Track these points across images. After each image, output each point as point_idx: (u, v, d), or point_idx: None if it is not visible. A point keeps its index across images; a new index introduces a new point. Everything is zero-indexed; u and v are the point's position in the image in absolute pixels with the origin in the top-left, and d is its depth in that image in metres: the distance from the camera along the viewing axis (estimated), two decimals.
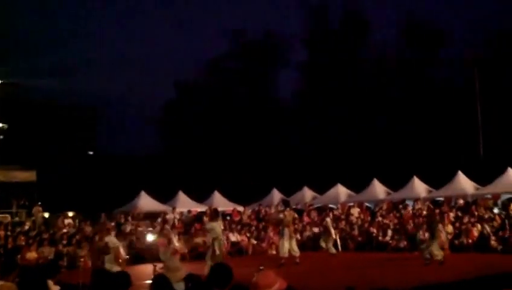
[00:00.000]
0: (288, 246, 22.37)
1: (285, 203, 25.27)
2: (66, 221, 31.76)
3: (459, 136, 49.87)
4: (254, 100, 61.49)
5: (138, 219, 31.70)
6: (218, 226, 19.56)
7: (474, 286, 14.53)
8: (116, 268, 20.94)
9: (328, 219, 28.01)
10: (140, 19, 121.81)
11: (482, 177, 38.29)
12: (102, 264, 22.73)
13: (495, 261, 20.50)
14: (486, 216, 27.18)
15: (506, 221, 25.82)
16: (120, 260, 22.52)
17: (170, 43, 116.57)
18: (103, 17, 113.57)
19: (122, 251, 21.83)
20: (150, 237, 22.12)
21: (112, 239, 22.54)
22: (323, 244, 26.47)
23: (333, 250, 26.23)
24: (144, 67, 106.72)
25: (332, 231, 26.97)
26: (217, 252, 19.10)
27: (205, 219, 29.03)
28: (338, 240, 28.64)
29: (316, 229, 30.62)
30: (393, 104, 59.46)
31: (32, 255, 24.42)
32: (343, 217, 32.90)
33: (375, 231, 29.07)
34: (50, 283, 8.35)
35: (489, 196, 31.79)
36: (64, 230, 29.10)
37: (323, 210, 35.69)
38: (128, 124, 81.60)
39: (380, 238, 28.44)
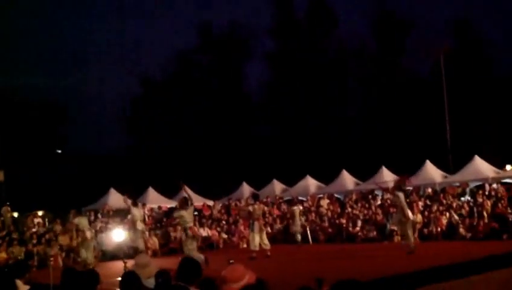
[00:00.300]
0: (259, 239, 22.43)
1: (255, 197, 25.32)
2: (36, 220, 31.51)
3: (427, 126, 50.23)
4: (222, 93, 61.35)
5: (108, 216, 31.53)
6: (187, 213, 19.50)
7: (442, 274, 14.64)
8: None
9: (296, 208, 27.99)
10: (105, 14, 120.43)
11: (450, 166, 38.74)
12: (73, 263, 22.74)
13: (464, 249, 20.70)
14: (454, 204, 27.42)
15: (474, 209, 26.08)
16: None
17: (137, 37, 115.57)
18: (69, 12, 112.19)
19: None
20: (120, 234, 21.98)
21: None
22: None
23: (299, 238, 26.27)
24: (109, 62, 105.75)
25: (298, 221, 26.99)
26: (187, 239, 19.12)
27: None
28: (308, 232, 28.77)
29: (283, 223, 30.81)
30: (361, 95, 59.78)
31: (1, 255, 24.27)
32: (313, 209, 32.96)
33: (344, 222, 29.18)
34: (19, 282, 8.29)
35: (457, 184, 32.11)
36: (34, 229, 28.88)
37: (293, 203, 35.84)
38: (96, 121, 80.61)
39: (350, 229, 28.56)
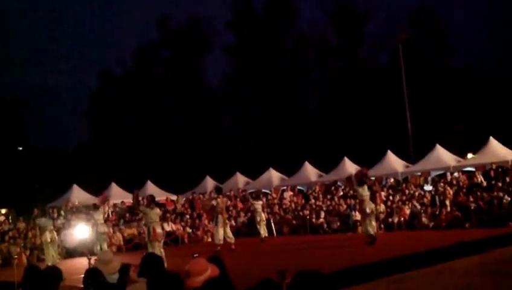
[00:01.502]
0: (223, 232, 22.46)
1: (218, 190, 25.28)
2: None
3: (387, 116, 50.61)
4: (183, 87, 61.14)
5: (71, 212, 31.29)
6: (152, 212, 19.46)
7: (405, 264, 14.77)
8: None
9: (257, 203, 27.74)
10: (64, 7, 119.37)
11: (411, 155, 39.09)
12: (37, 261, 22.55)
13: (426, 238, 20.92)
14: (416, 194, 27.68)
15: (436, 198, 26.34)
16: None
17: (96, 31, 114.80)
18: (22, 7, 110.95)
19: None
20: (83, 231, 21.82)
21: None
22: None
23: (263, 235, 26.22)
24: (69, 57, 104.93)
25: (261, 215, 26.83)
26: (146, 239, 19.16)
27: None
28: (272, 225, 28.84)
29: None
30: (322, 86, 60.01)
31: None
32: (276, 201, 33.05)
33: (308, 213, 29.29)
34: None
35: (419, 174, 32.43)
36: None
37: (256, 195, 35.92)
38: (56, 117, 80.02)
39: (314, 220, 28.68)
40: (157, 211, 19.88)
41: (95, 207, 24.91)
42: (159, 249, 18.48)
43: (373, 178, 32.34)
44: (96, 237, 23.14)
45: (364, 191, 21.12)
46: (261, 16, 61.82)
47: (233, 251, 21.92)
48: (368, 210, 20.73)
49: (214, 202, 23.31)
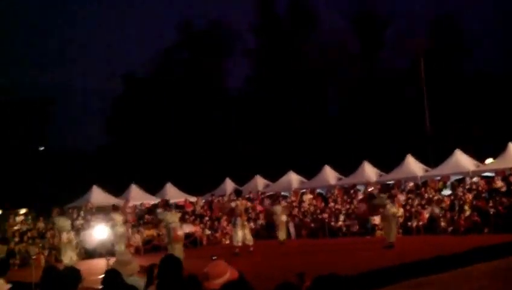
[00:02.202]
0: (242, 235, 22.48)
1: (238, 193, 25.32)
2: (18, 218, 31.38)
3: (407, 120, 50.45)
4: (204, 90, 61.24)
5: (91, 213, 31.43)
6: (170, 214, 19.61)
7: (423, 268, 14.76)
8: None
9: (277, 207, 27.79)
10: (86, 11, 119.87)
11: (431, 160, 38.94)
12: (55, 261, 22.67)
13: (445, 242, 20.85)
14: (435, 198, 27.59)
15: (455, 202, 26.25)
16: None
17: (117, 34, 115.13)
18: (47, 8, 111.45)
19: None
20: (102, 232, 21.90)
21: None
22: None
23: (282, 237, 26.22)
24: (91, 59, 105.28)
25: (281, 218, 26.87)
26: (166, 240, 19.26)
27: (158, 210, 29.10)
28: (291, 228, 28.88)
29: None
30: (342, 90, 59.93)
31: None
32: (295, 204, 33.08)
33: (327, 216, 29.28)
34: (0, 281, 8.29)
35: (438, 178, 32.29)
36: (16, 227, 28.75)
37: (276, 198, 35.97)
38: (79, 118, 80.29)
39: (333, 223, 28.68)
40: (176, 213, 20.01)
41: (115, 208, 25.02)
42: (179, 251, 18.56)
43: (392, 182, 32.40)
44: (115, 238, 23.23)
45: (383, 200, 21.19)
46: (282, 20, 61.82)
47: (252, 253, 21.94)
48: (390, 214, 20.76)
49: (233, 204, 23.36)
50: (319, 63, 58.46)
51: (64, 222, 22.73)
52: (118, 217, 23.88)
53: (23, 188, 49.11)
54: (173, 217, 19.54)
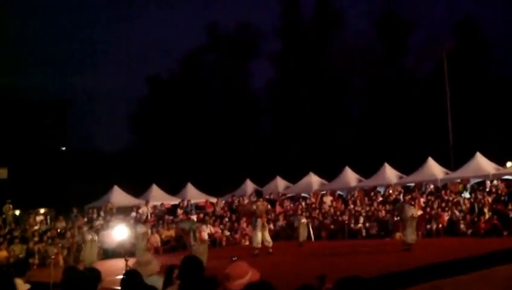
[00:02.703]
0: (261, 236, 22.49)
1: (258, 194, 25.38)
2: (38, 218, 31.58)
3: (429, 123, 50.27)
4: (227, 91, 61.37)
5: (111, 213, 31.55)
6: (189, 222, 19.88)
7: (443, 270, 14.72)
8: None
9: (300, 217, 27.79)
10: (110, 12, 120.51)
11: (452, 162, 38.81)
12: (73, 261, 22.77)
13: (464, 245, 20.80)
14: (455, 201, 27.53)
15: (475, 205, 26.17)
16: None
17: (143, 36, 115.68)
18: (72, 10, 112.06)
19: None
20: (122, 232, 21.97)
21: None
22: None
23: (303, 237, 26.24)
24: (115, 61, 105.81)
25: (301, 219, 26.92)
26: (192, 242, 19.31)
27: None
28: (311, 229, 28.87)
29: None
30: (364, 92, 59.82)
31: (2, 253, 24.31)
32: (315, 206, 33.08)
33: (347, 218, 29.25)
34: (19, 281, 8.32)
35: (458, 181, 32.20)
36: (36, 227, 28.89)
37: (296, 199, 35.95)
38: (100, 119, 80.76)
39: (352, 225, 28.64)
40: (193, 220, 20.27)
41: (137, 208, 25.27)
42: (204, 251, 18.62)
43: (413, 184, 32.34)
44: (136, 236, 23.34)
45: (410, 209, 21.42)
46: (308, 23, 61.78)
47: (271, 255, 21.95)
48: (409, 215, 20.78)
49: (254, 206, 23.35)
50: (341, 65, 58.40)
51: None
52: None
53: (43, 187, 49.40)
54: (191, 224, 19.78)
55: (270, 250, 22.38)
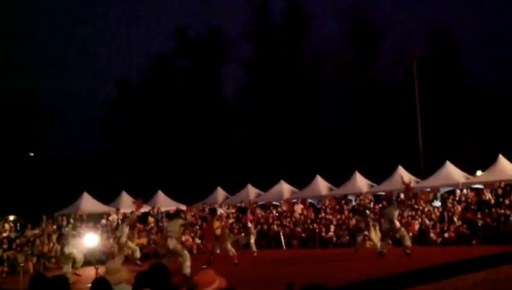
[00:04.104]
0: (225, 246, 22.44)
1: (212, 211, 25.46)
2: (7, 225, 31.24)
3: (399, 132, 50.59)
4: (198, 97, 61.23)
5: (81, 221, 31.30)
6: (169, 224, 19.78)
7: (414, 279, 14.80)
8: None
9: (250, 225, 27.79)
10: (80, 16, 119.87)
11: (422, 171, 39.08)
12: (43, 269, 22.58)
13: (434, 254, 20.94)
14: (426, 209, 27.70)
15: (445, 214, 26.35)
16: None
17: (113, 40, 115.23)
18: (42, 13, 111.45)
19: None
20: (92, 240, 21.81)
21: None
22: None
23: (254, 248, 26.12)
24: (85, 65, 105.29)
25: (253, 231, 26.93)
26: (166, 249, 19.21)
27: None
28: (282, 237, 28.92)
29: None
30: (335, 100, 60.00)
31: None
32: (286, 214, 33.11)
33: (318, 227, 29.30)
34: None
35: (428, 190, 32.41)
36: (5, 234, 28.59)
37: (267, 207, 35.95)
38: (69, 124, 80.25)
39: (323, 234, 28.69)
40: (177, 220, 20.03)
41: (124, 219, 25.28)
42: (187, 259, 18.46)
43: (383, 193, 32.53)
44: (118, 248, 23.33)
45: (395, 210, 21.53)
46: (278, 29, 61.89)
47: (242, 263, 21.89)
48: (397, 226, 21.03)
49: (218, 231, 22.99)
50: (312, 73, 58.62)
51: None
52: (125, 228, 23.80)
53: (12, 194, 48.94)
54: (172, 226, 19.57)
55: (235, 261, 22.05)
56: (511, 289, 13.62)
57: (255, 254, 24.92)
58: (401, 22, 76.87)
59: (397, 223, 21.33)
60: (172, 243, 18.96)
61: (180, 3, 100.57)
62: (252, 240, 25.80)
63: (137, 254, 23.92)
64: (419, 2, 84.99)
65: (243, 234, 27.32)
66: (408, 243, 20.84)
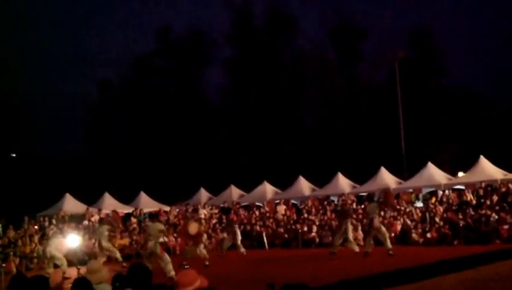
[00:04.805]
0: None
1: (194, 211, 25.54)
2: None
3: (382, 132, 50.73)
4: (180, 98, 61.07)
5: (63, 221, 31.22)
6: (151, 227, 19.76)
7: (392, 279, 14.88)
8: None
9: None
10: (62, 16, 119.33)
11: (404, 172, 39.24)
12: (25, 270, 22.49)
13: (415, 254, 21.06)
14: (408, 210, 27.85)
15: (427, 214, 26.50)
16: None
17: (93, 41, 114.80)
18: (24, 13, 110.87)
19: None
20: (74, 240, 21.78)
21: None
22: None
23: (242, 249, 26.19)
24: (66, 66, 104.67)
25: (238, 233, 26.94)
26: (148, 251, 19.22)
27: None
28: (264, 238, 28.98)
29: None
30: (318, 101, 60.07)
31: None
32: (269, 214, 33.18)
33: (300, 227, 29.36)
34: None
35: (410, 190, 32.57)
36: None
37: (250, 208, 36.00)
38: (52, 125, 79.81)
39: (306, 234, 28.77)
40: (157, 223, 20.10)
41: (101, 222, 25.16)
42: (168, 262, 18.46)
43: (365, 194, 32.64)
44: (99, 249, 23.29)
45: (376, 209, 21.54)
46: (260, 31, 61.82)
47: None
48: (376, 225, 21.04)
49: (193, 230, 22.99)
50: (295, 74, 58.68)
51: None
52: (104, 230, 23.80)
53: None
54: (152, 229, 19.59)
55: (206, 262, 22.01)
56: (492, 289, 13.69)
57: (245, 253, 25.03)
58: (382, 24, 77.24)
59: (377, 222, 21.32)
60: (151, 247, 19.00)
61: (162, 4, 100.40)
62: (239, 241, 25.85)
63: (118, 256, 23.86)
64: (401, 3, 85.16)
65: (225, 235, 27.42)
66: (389, 245, 20.83)
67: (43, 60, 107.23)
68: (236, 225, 26.93)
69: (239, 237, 26.01)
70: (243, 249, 25.40)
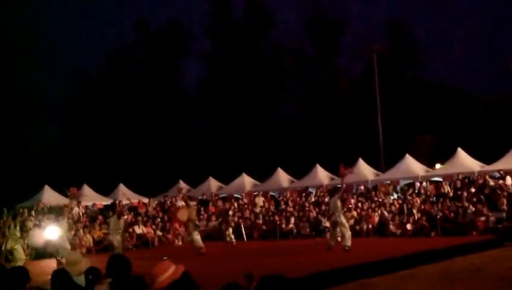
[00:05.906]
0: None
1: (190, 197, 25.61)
2: None
3: (360, 124, 50.94)
4: (159, 90, 60.98)
5: (42, 213, 31.11)
6: (112, 221, 19.90)
7: (371, 270, 15.02)
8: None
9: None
10: (40, 7, 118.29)
11: (382, 164, 39.45)
12: (4, 261, 22.41)
13: (393, 245, 21.22)
14: (385, 201, 28.02)
15: (404, 206, 26.70)
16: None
17: (71, 32, 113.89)
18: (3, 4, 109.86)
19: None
20: (53, 232, 21.71)
21: None
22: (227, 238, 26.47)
23: (233, 238, 26.40)
24: (43, 57, 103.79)
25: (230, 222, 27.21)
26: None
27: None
28: (243, 229, 29.06)
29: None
30: (296, 94, 60.23)
31: None
32: (247, 206, 33.25)
33: (278, 219, 29.47)
34: None
35: (388, 182, 32.75)
36: None
37: (228, 200, 36.07)
38: (30, 117, 79.29)
39: (284, 226, 28.88)
40: (115, 219, 20.23)
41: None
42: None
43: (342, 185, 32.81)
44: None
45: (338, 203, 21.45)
46: (238, 23, 61.86)
47: (202, 255, 21.98)
48: (338, 221, 20.97)
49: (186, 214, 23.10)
50: (274, 66, 58.74)
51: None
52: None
53: None
54: (113, 224, 19.80)
55: (202, 251, 22.26)
56: (468, 280, 13.86)
57: (234, 243, 25.55)
58: (360, 16, 77.46)
59: (340, 217, 21.20)
60: (115, 240, 19.20)
61: None
62: (231, 230, 26.15)
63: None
64: None
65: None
66: (348, 242, 20.53)
67: (19, 51, 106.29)
68: (229, 215, 27.27)
69: (231, 227, 26.33)
70: (233, 239, 25.67)
